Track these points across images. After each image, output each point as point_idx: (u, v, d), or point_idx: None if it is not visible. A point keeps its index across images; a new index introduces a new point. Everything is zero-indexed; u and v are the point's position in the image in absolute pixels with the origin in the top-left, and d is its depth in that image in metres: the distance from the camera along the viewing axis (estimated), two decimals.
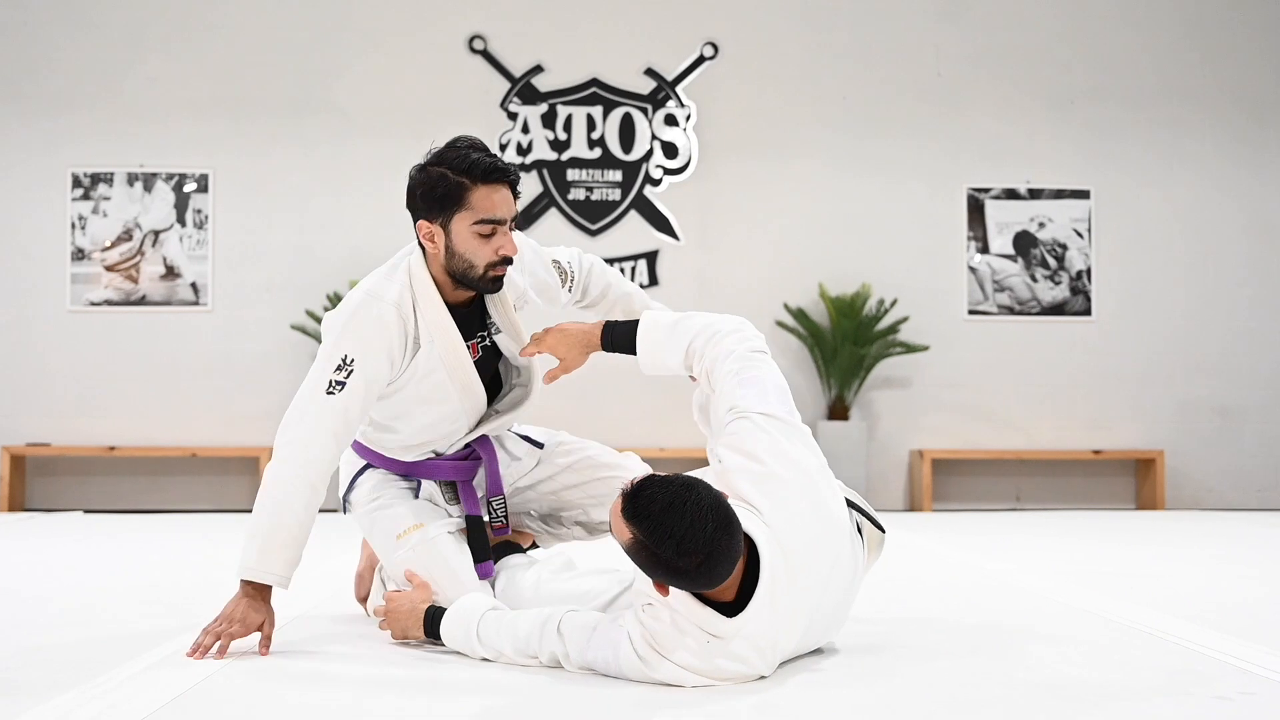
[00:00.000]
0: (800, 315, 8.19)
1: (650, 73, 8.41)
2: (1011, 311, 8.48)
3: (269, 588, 2.91)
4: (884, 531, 2.97)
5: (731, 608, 2.50)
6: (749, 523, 2.52)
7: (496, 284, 3.00)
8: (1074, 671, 2.75)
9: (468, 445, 3.20)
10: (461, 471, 3.21)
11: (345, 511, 3.35)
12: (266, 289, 8.22)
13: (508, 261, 2.95)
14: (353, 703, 2.45)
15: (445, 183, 2.89)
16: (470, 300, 3.09)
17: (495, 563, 3.18)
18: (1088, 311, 8.50)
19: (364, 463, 3.28)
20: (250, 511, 3.00)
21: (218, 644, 2.80)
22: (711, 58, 8.43)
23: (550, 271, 3.28)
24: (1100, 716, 2.35)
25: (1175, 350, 8.51)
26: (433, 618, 2.91)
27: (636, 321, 3.01)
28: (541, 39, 8.39)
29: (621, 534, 2.45)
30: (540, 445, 3.36)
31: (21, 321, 8.16)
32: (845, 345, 8.02)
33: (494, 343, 3.16)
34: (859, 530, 2.83)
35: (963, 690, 2.57)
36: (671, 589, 2.48)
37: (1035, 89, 8.53)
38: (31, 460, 8.09)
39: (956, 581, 4.40)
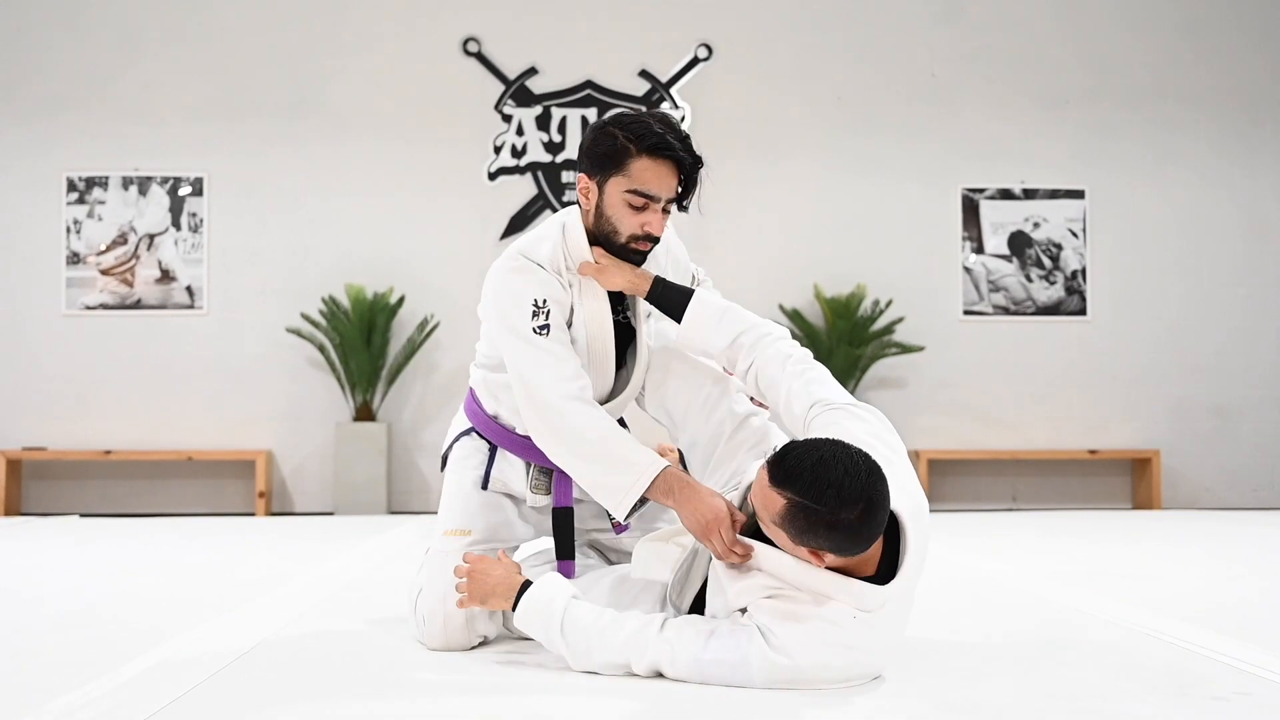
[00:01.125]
0: (795, 316, 8.19)
1: (644, 74, 8.42)
2: (1007, 312, 8.49)
3: (674, 472, 2.70)
4: None
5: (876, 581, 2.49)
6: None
7: (638, 256, 2.93)
8: (1070, 672, 2.76)
9: None
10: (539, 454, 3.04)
11: (442, 468, 3.27)
12: (262, 292, 8.21)
13: (651, 239, 2.90)
14: (352, 707, 2.45)
15: (612, 142, 2.83)
16: None
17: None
18: (1083, 311, 8.50)
19: (469, 426, 3.20)
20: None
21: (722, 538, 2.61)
22: (706, 59, 8.44)
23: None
24: (1096, 717, 2.35)
25: (1171, 349, 8.52)
26: (525, 593, 2.77)
27: (691, 291, 2.96)
28: (535, 41, 8.39)
29: (772, 505, 2.42)
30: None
31: (17, 325, 8.15)
32: (840, 346, 8.03)
33: (628, 320, 3.07)
34: None
35: (958, 691, 2.57)
36: (828, 558, 2.44)
37: (1030, 89, 8.54)
38: (27, 464, 8.08)
39: (952, 582, 4.40)
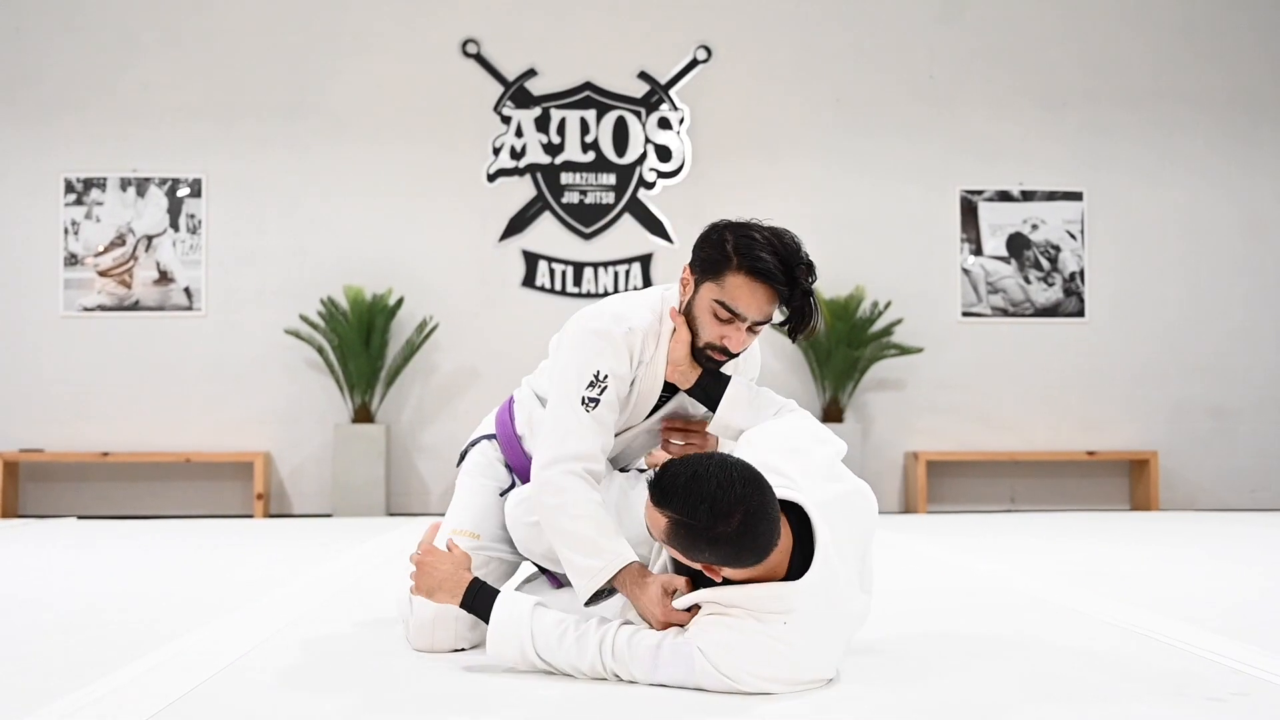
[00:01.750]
0: None
1: (643, 76, 8.42)
2: (1005, 313, 8.49)
3: (635, 567, 2.72)
4: None
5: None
6: (784, 491, 2.52)
7: (711, 364, 2.91)
8: (1068, 672, 2.76)
9: None
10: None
11: (458, 464, 3.29)
12: (260, 294, 8.21)
13: (726, 353, 2.87)
14: (351, 709, 2.45)
15: (718, 249, 2.79)
16: None
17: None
18: (1081, 313, 8.51)
19: (492, 431, 3.22)
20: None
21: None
22: (705, 61, 8.44)
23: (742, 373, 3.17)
24: (1094, 717, 2.35)
25: (1169, 351, 8.52)
26: (476, 593, 2.76)
27: (727, 380, 2.94)
28: (535, 43, 8.39)
29: (658, 526, 2.44)
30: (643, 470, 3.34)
31: (14, 327, 8.15)
32: (839, 348, 8.03)
33: (669, 397, 3.09)
34: None
35: (957, 692, 2.57)
36: (724, 571, 2.45)
37: (1028, 91, 8.55)
38: (25, 466, 8.08)
39: (951, 583, 4.40)
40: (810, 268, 2.82)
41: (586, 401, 2.83)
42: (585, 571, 2.73)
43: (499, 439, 3.21)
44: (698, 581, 2.65)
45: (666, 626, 2.63)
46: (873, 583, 2.73)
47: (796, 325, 2.86)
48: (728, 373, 2.98)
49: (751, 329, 2.84)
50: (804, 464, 2.61)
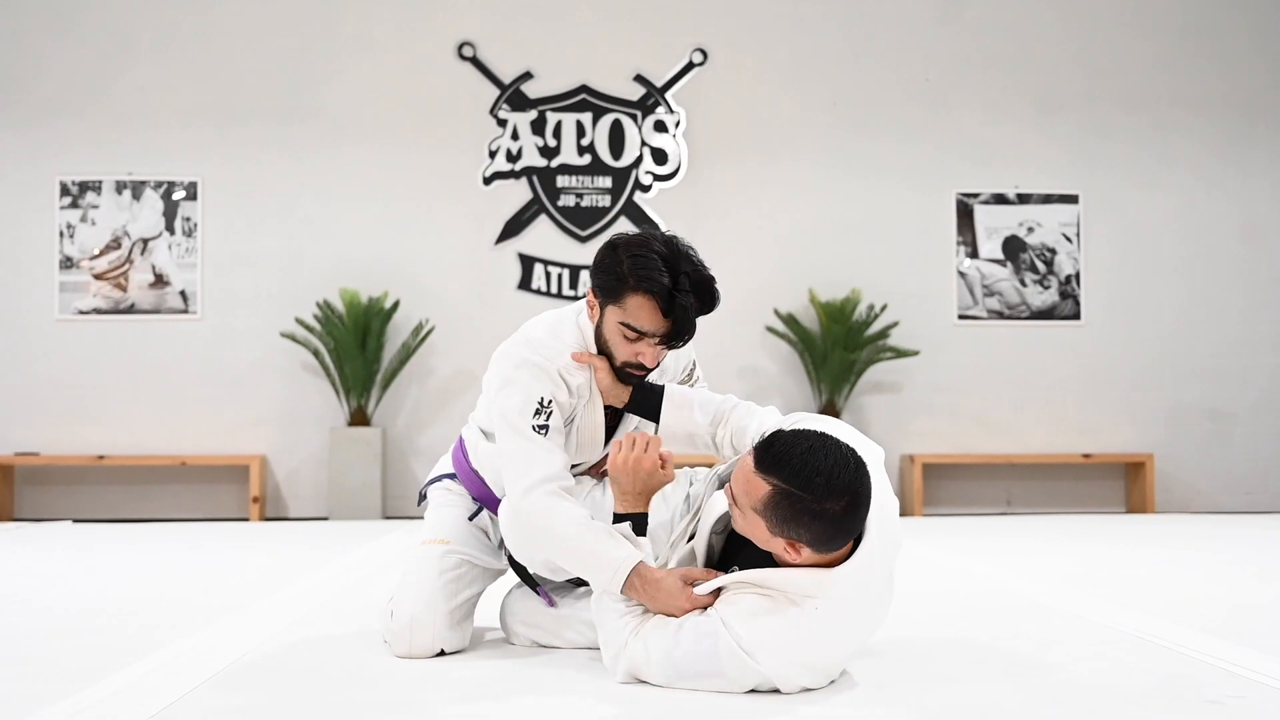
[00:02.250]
0: (790, 321, 8.20)
1: (639, 79, 8.42)
2: (1001, 316, 8.49)
3: (643, 567, 2.70)
4: None
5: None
6: None
7: (628, 379, 2.94)
8: (1064, 676, 2.76)
9: None
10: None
11: (419, 503, 3.34)
12: (256, 297, 8.20)
13: (643, 369, 2.89)
14: (347, 712, 2.45)
15: (615, 272, 2.79)
16: None
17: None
18: (1077, 316, 8.51)
19: (451, 471, 3.26)
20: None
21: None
22: (701, 64, 8.44)
23: (679, 368, 3.21)
24: None
25: (1165, 354, 8.53)
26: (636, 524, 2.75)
27: (662, 390, 2.97)
28: (531, 46, 8.39)
29: (755, 491, 2.42)
30: None
31: (10, 330, 8.13)
32: (835, 350, 8.03)
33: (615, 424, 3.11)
34: None
35: (954, 695, 2.57)
36: (805, 551, 2.44)
37: (1024, 93, 8.55)
38: (20, 469, 8.07)
39: (947, 586, 4.40)
40: (700, 280, 2.79)
41: (538, 429, 2.85)
42: (599, 584, 2.73)
43: (460, 477, 3.24)
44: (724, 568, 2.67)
45: (681, 610, 2.62)
46: (893, 591, 2.74)
47: (675, 336, 2.83)
48: (657, 381, 3.03)
49: (663, 341, 2.84)
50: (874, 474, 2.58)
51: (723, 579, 2.55)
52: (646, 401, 2.97)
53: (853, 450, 2.43)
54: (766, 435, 2.49)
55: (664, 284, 2.74)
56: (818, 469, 2.36)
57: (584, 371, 2.93)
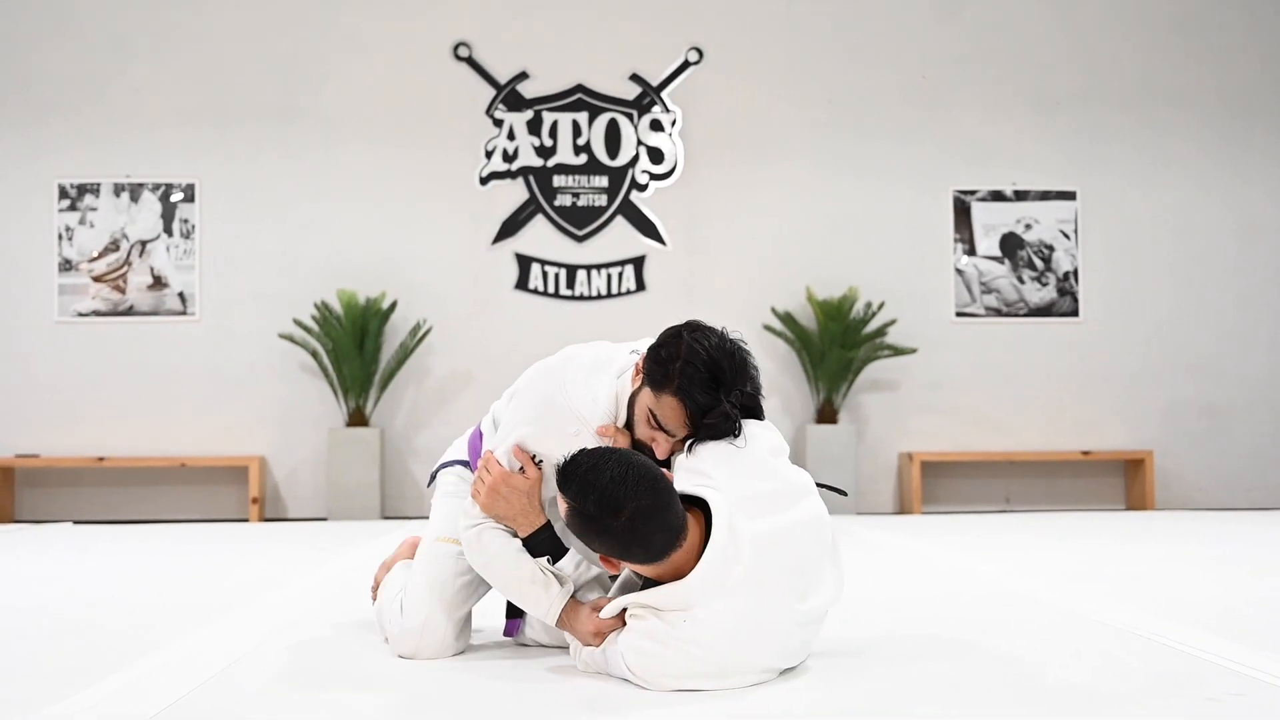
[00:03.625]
0: (788, 319, 8.20)
1: (635, 78, 8.42)
2: (999, 313, 8.50)
3: (569, 605, 2.83)
4: (845, 494, 2.99)
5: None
6: (699, 489, 2.57)
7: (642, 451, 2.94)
8: (1063, 674, 2.76)
9: None
10: None
11: (429, 484, 3.33)
12: (254, 298, 8.21)
13: (653, 455, 2.86)
14: (346, 712, 2.45)
15: (665, 366, 2.76)
16: None
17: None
18: (1075, 313, 8.52)
19: (465, 457, 3.24)
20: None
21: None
22: (696, 63, 8.45)
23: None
24: (1090, 718, 2.36)
25: (1163, 350, 8.54)
26: (545, 539, 2.83)
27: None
28: (526, 46, 8.39)
29: (562, 509, 2.52)
30: None
31: (9, 333, 8.13)
32: (833, 348, 8.03)
33: None
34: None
35: (952, 693, 2.57)
36: (623, 564, 2.55)
37: (1021, 91, 8.56)
38: (20, 471, 8.07)
39: (946, 584, 4.40)
40: (747, 405, 2.78)
41: (517, 469, 2.88)
42: (538, 613, 2.85)
43: (474, 466, 3.21)
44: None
45: (601, 640, 2.73)
46: (825, 589, 2.72)
47: (703, 437, 2.80)
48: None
49: (683, 441, 2.83)
50: (727, 461, 2.65)
51: (619, 602, 2.63)
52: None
53: (641, 465, 2.48)
54: (569, 455, 2.54)
55: (704, 401, 2.72)
56: (593, 486, 2.44)
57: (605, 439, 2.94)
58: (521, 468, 2.87)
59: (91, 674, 2.82)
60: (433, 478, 3.32)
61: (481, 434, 3.23)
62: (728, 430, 2.73)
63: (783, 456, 2.78)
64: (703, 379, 2.72)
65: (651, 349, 2.84)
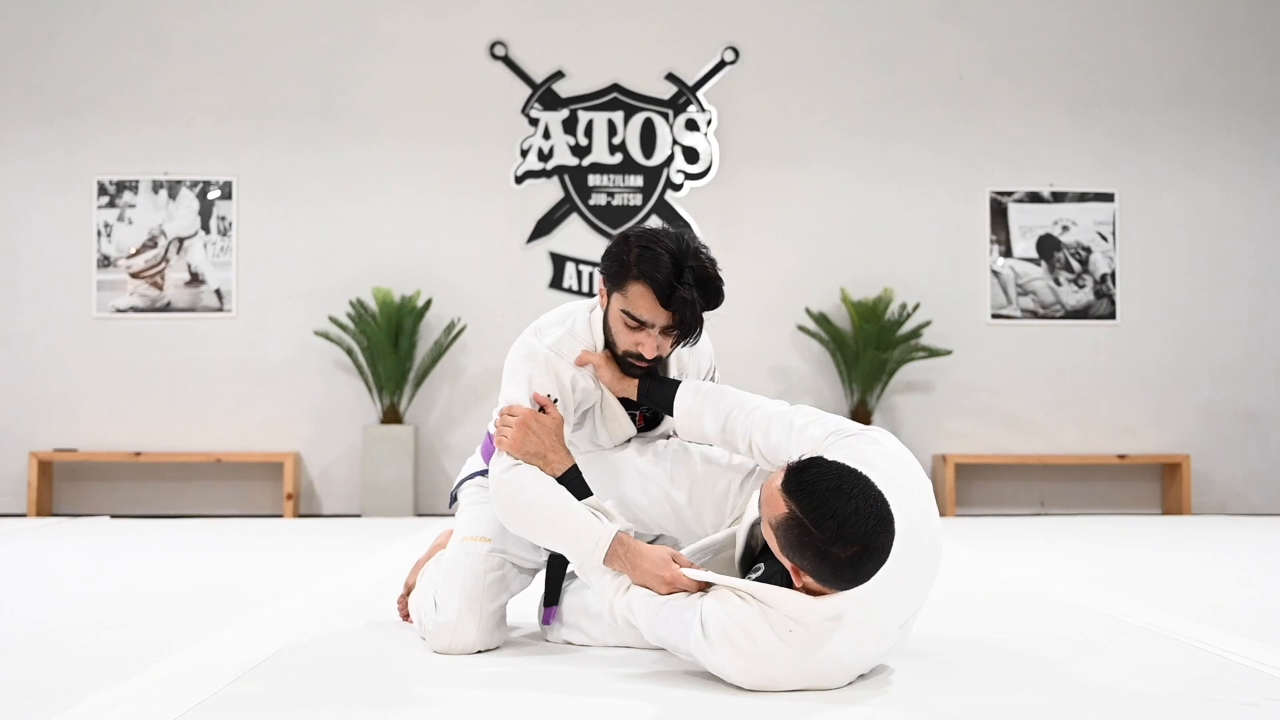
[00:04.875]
0: (822, 320, 8.18)
1: (671, 78, 8.42)
2: (1035, 315, 8.45)
3: (622, 537, 2.76)
4: None
5: None
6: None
7: (631, 369, 2.97)
8: (1099, 678, 2.74)
9: None
10: None
11: (450, 505, 3.36)
12: (290, 295, 8.25)
13: (642, 359, 2.91)
14: (380, 709, 2.46)
15: (621, 260, 2.82)
16: None
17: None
18: (1112, 315, 8.46)
19: (483, 468, 3.26)
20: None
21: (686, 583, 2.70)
22: (732, 63, 8.44)
23: (695, 369, 3.18)
24: None
25: (1200, 354, 8.46)
26: (574, 479, 2.83)
27: (677, 383, 2.98)
28: (562, 45, 8.41)
29: (775, 508, 2.41)
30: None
31: (48, 328, 8.21)
32: (867, 350, 8.01)
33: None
34: None
35: (987, 696, 2.56)
36: (805, 578, 2.43)
37: (1057, 92, 8.50)
38: (58, 465, 8.14)
39: (980, 587, 4.38)
40: (704, 276, 2.80)
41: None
42: (579, 554, 2.78)
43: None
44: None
45: (672, 590, 2.65)
46: (914, 621, 2.72)
47: (682, 334, 2.86)
48: (674, 375, 3.07)
49: (665, 333, 2.86)
50: (909, 505, 2.57)
51: (711, 577, 2.57)
52: (658, 396, 2.99)
53: (882, 503, 2.38)
54: (807, 456, 2.46)
55: (666, 275, 2.77)
56: (834, 511, 2.33)
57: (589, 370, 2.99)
58: (542, 408, 2.88)
59: (129, 667, 2.84)
60: (453, 499, 3.34)
61: (491, 440, 3.24)
62: (691, 324, 2.78)
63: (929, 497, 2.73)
64: (656, 255, 2.77)
65: (603, 258, 2.89)
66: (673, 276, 2.77)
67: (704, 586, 2.60)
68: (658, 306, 2.81)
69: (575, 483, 2.84)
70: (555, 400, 2.93)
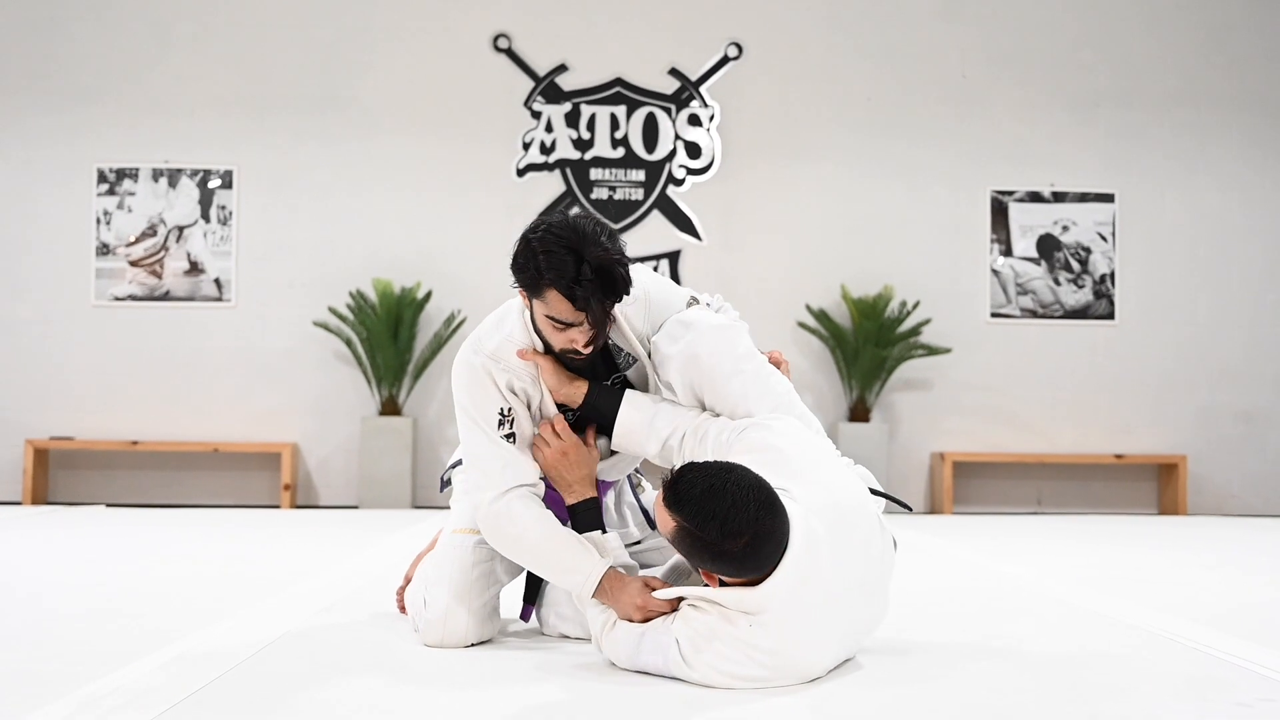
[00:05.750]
0: (822, 316, 8.18)
1: (674, 73, 8.41)
2: (1034, 315, 8.45)
3: (610, 573, 2.80)
4: (909, 509, 2.93)
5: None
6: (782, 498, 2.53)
7: (575, 364, 2.94)
8: (1093, 677, 2.75)
9: None
10: (559, 507, 3.02)
11: (441, 489, 3.36)
12: (289, 285, 8.25)
13: (578, 353, 2.85)
14: (376, 699, 2.46)
15: (530, 268, 2.74)
16: None
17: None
18: (1111, 315, 8.46)
19: None
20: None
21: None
22: (735, 58, 8.43)
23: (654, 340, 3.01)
24: None
25: (1198, 354, 8.47)
26: (586, 510, 2.88)
27: (619, 399, 2.93)
28: (566, 38, 8.40)
29: (665, 524, 2.47)
30: (655, 527, 3.34)
31: (46, 316, 8.21)
32: (867, 347, 8.01)
33: (627, 380, 3.07)
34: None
35: (981, 694, 2.56)
36: (720, 578, 2.49)
37: (1059, 92, 8.50)
38: (55, 453, 8.14)
39: (976, 585, 4.39)
40: (601, 265, 2.68)
41: (506, 438, 2.91)
42: (571, 586, 2.83)
43: None
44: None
45: (647, 620, 2.69)
46: (886, 588, 2.76)
47: (593, 329, 2.79)
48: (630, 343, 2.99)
49: (593, 324, 2.79)
50: (804, 475, 2.61)
51: (679, 590, 2.61)
52: (600, 407, 2.94)
53: (760, 487, 2.43)
54: (676, 470, 2.49)
55: (571, 276, 2.68)
56: (714, 511, 2.39)
57: (530, 368, 2.94)
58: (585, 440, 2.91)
59: (124, 657, 2.84)
60: (445, 482, 3.34)
61: None
62: (617, 288, 2.70)
63: (832, 467, 2.74)
64: (562, 258, 2.68)
65: (512, 267, 2.81)
66: (574, 276, 2.68)
67: (676, 604, 2.65)
68: (574, 309, 2.74)
69: (589, 513, 2.88)
70: (511, 411, 2.90)
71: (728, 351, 2.86)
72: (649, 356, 2.98)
